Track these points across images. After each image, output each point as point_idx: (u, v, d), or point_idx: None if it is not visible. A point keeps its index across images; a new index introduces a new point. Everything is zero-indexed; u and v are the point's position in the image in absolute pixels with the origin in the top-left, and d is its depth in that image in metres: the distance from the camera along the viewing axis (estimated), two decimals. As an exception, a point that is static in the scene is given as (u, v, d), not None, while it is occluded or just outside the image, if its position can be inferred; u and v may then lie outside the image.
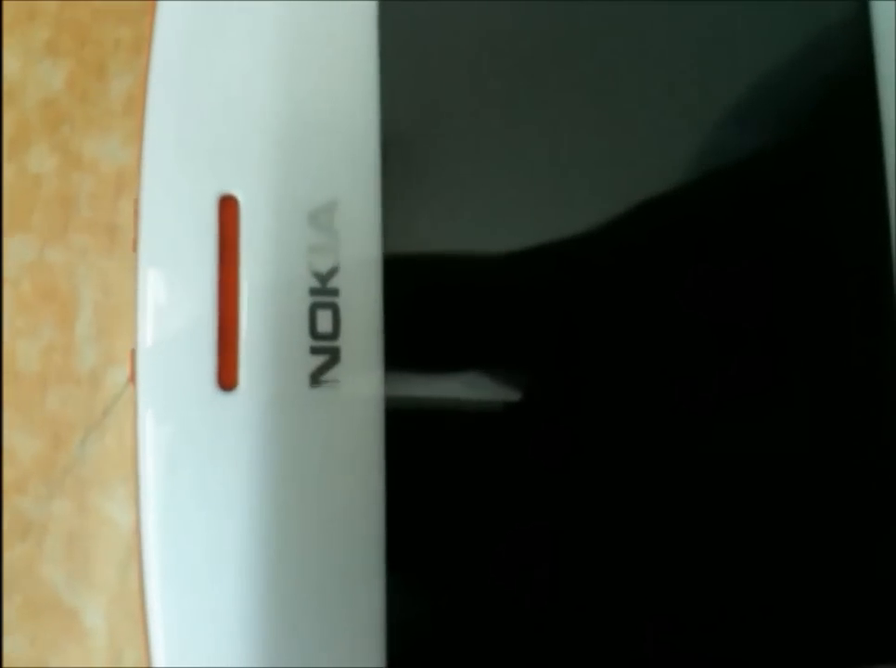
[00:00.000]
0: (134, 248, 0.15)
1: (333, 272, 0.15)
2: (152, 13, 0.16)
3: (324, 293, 0.15)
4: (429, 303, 0.15)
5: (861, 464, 0.16)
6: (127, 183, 0.24)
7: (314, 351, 0.15)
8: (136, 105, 0.24)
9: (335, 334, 0.15)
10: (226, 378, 0.15)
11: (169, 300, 0.15)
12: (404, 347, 0.15)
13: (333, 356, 0.15)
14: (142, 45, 0.24)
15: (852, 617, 0.16)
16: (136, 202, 0.15)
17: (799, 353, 0.16)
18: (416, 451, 0.15)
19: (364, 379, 0.15)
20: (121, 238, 0.23)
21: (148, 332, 0.15)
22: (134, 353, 0.15)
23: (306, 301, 0.15)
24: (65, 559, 0.22)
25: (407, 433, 0.15)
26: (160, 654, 0.15)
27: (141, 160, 0.15)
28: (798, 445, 0.16)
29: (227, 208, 0.15)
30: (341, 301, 0.15)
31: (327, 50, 0.16)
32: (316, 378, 0.15)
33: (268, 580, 0.15)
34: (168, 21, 0.16)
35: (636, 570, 0.15)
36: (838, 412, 0.16)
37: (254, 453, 0.15)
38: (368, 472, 0.15)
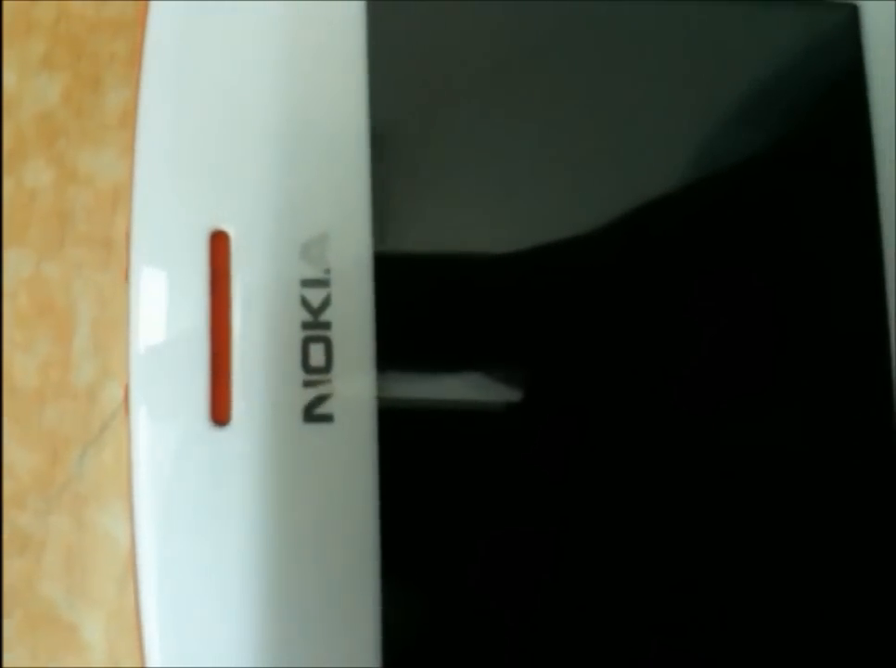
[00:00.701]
0: (126, 279, 0.15)
1: (325, 305, 0.15)
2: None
3: (316, 327, 0.15)
4: (422, 335, 0.15)
5: (860, 467, 0.16)
6: (123, 197, 0.24)
7: (307, 384, 0.15)
8: (131, 119, 0.24)
9: (328, 367, 0.15)
10: (220, 414, 0.15)
11: (161, 335, 0.15)
12: (397, 380, 0.15)
13: (326, 390, 0.15)
14: (137, 59, 0.24)
15: (856, 628, 0.16)
16: (127, 237, 0.15)
17: (790, 357, 0.16)
18: (411, 483, 0.15)
19: (357, 412, 0.15)
20: (117, 253, 0.23)
21: (142, 367, 0.15)
22: (127, 388, 0.15)
23: (299, 334, 0.15)
24: (64, 575, 0.22)
25: (401, 466, 0.15)
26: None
27: (132, 199, 0.15)
28: (795, 451, 0.16)
29: (219, 243, 0.15)
30: (334, 334, 0.15)
31: (315, 82, 0.16)
32: (310, 412, 0.15)
33: (264, 609, 0.15)
34: (155, 55, 0.16)
35: (633, 575, 0.15)
36: (834, 412, 0.16)
37: (248, 487, 0.15)
38: (362, 505, 0.15)
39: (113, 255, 0.23)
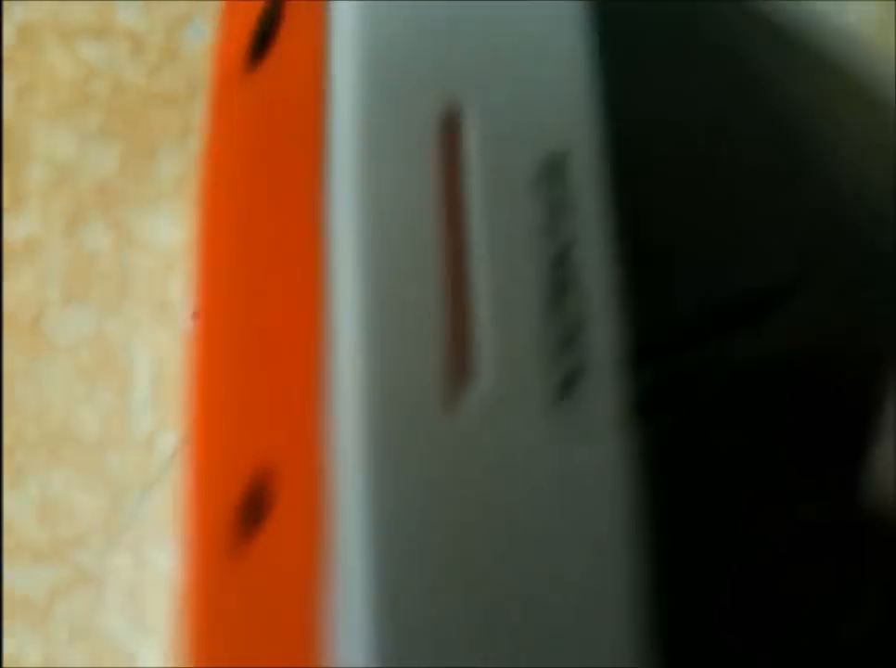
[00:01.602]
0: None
1: (567, 250, 0.11)
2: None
3: (561, 277, 0.11)
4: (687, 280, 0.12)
5: None
6: (177, 261, 0.25)
7: (556, 358, 0.11)
8: (185, 186, 0.25)
9: (577, 332, 0.11)
10: (459, 374, 0.10)
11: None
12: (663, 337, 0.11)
13: (578, 365, 0.11)
14: (189, 130, 0.26)
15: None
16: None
17: None
18: (682, 486, 0.11)
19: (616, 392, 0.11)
20: (173, 312, 0.25)
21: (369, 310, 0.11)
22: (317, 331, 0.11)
23: (542, 287, 0.11)
24: (124, 608, 0.24)
25: (671, 465, 0.11)
26: None
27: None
28: None
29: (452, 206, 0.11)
30: (582, 291, 0.11)
31: None
32: (561, 393, 0.11)
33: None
34: None
35: None
36: None
37: (484, 474, 0.10)
38: (620, 507, 0.11)
39: (169, 314, 0.25)
